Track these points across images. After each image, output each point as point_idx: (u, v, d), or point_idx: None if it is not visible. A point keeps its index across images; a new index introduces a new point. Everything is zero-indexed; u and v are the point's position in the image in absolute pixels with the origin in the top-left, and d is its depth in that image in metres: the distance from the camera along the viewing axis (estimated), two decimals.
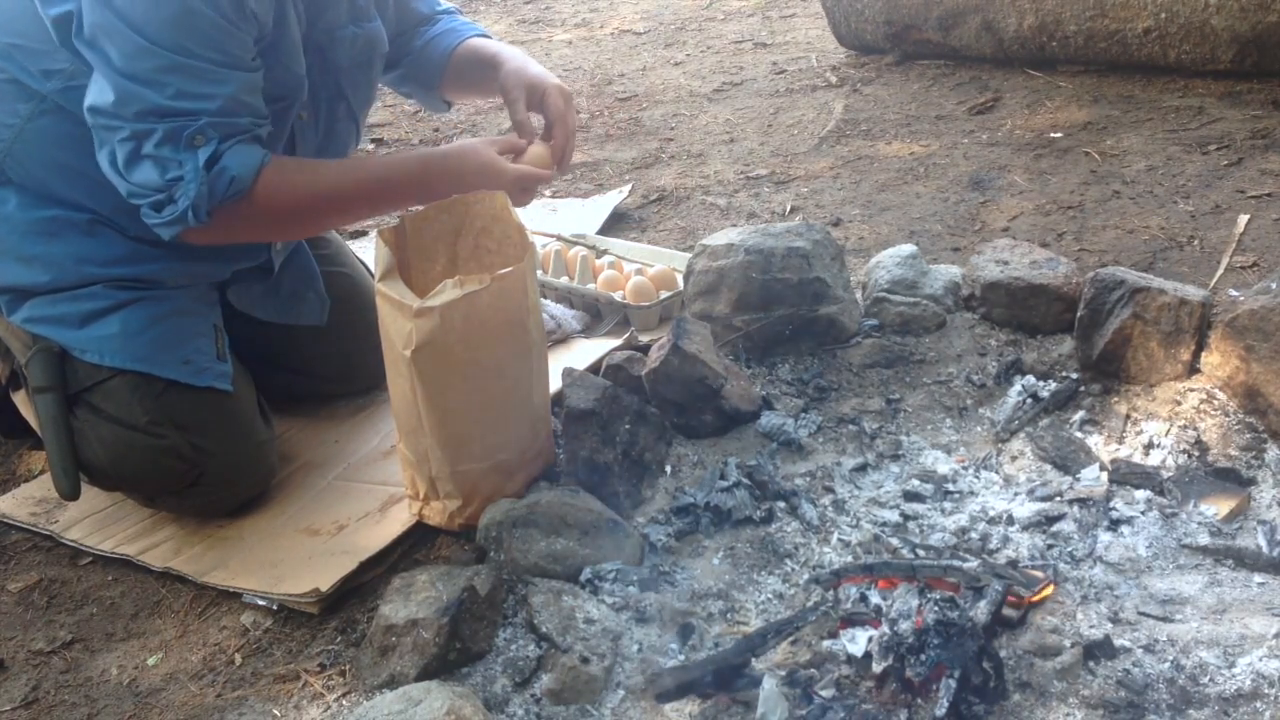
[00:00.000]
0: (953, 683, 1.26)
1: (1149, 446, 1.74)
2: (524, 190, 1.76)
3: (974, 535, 1.59)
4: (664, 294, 2.28)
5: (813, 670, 1.36)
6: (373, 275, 1.64)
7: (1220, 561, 1.52)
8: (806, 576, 1.56)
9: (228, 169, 1.55)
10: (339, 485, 1.89)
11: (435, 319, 1.53)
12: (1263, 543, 1.53)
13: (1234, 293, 2.06)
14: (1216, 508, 1.59)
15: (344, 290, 2.08)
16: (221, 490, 1.79)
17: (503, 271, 1.59)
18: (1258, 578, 1.48)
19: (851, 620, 1.40)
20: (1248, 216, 2.50)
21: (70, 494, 1.73)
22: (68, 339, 1.72)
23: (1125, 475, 1.68)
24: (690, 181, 3.15)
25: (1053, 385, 1.89)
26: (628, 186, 3.11)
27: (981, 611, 1.36)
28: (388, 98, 4.11)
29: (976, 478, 1.75)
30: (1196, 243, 2.43)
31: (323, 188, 1.70)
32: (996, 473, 1.76)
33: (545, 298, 2.34)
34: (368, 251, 2.17)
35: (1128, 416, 1.82)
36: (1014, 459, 1.78)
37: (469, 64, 2.00)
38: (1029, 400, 1.88)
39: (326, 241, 2.13)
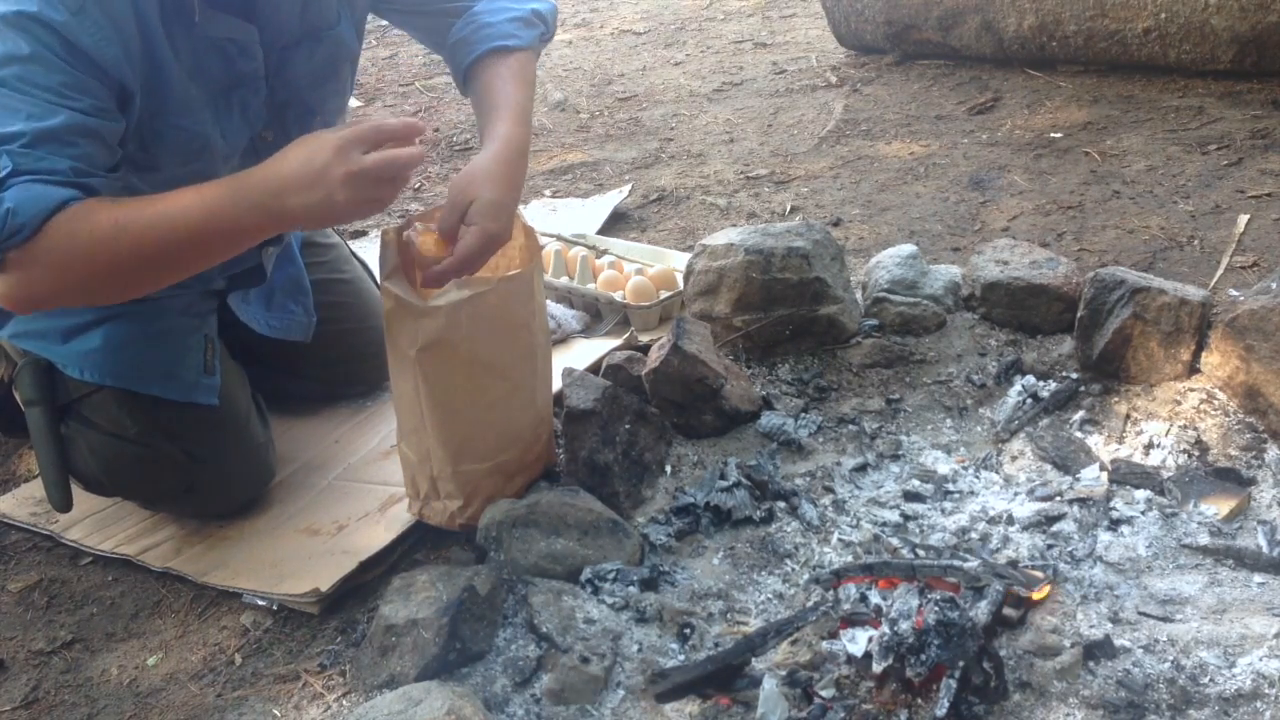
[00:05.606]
0: (953, 683, 1.26)
1: (1149, 446, 1.74)
2: (378, 181, 1.40)
3: (974, 535, 1.59)
4: (664, 294, 2.28)
5: (813, 670, 1.36)
6: (374, 279, 1.63)
7: (1220, 561, 1.52)
8: (806, 576, 1.56)
9: (8, 205, 1.31)
10: (339, 485, 1.89)
11: (441, 319, 1.53)
12: (1263, 543, 1.53)
13: (1234, 293, 2.05)
14: (1216, 508, 1.59)
15: (344, 297, 2.07)
16: (218, 495, 1.79)
17: (510, 273, 1.59)
18: (1258, 578, 1.48)
19: (851, 620, 1.40)
20: (1248, 216, 2.50)
21: (62, 507, 1.73)
22: (52, 354, 1.70)
23: (1125, 475, 1.68)
24: (690, 181, 3.15)
25: (1053, 385, 1.90)
26: (628, 186, 3.11)
27: (981, 611, 1.36)
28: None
29: (976, 478, 1.75)
30: (1196, 243, 2.43)
31: (128, 240, 1.37)
32: (996, 473, 1.76)
33: (546, 298, 2.34)
34: (368, 251, 2.17)
35: (1128, 416, 1.82)
36: (1014, 459, 1.78)
37: (476, 101, 1.74)
38: (1029, 400, 1.88)
39: (325, 249, 2.11)
